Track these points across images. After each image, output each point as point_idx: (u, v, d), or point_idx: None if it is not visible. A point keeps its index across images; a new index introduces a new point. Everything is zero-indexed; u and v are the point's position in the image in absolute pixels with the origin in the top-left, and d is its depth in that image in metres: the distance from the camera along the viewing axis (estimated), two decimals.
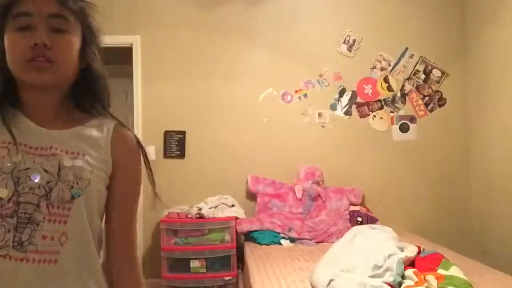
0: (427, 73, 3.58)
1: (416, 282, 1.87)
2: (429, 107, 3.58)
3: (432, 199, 3.55)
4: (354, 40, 3.56)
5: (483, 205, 3.36)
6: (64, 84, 0.87)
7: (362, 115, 3.56)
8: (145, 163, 0.95)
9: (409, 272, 1.97)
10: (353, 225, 3.06)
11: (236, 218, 3.10)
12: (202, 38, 3.48)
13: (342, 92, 3.56)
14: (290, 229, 3.13)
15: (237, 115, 3.46)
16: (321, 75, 3.56)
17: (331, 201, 3.30)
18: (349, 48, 3.57)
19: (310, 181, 3.31)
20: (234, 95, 3.44)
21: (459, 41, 3.59)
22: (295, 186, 3.32)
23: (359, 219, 3.17)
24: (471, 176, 3.53)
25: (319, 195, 3.30)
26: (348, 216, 3.22)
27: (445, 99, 3.58)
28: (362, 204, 3.41)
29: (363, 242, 2.27)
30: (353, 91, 3.56)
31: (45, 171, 0.79)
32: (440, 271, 2.00)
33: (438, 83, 3.58)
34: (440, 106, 3.58)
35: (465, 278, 1.92)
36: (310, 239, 3.08)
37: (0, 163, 0.77)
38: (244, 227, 3.10)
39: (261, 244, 2.95)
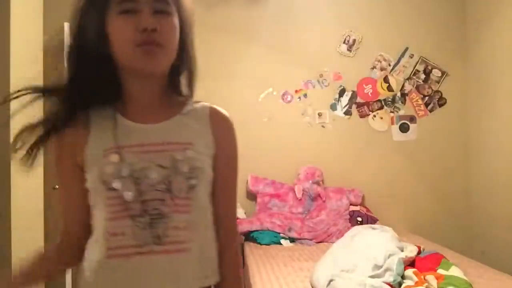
0: (427, 73, 3.58)
1: (416, 282, 1.88)
2: (429, 107, 3.58)
3: (432, 199, 3.55)
4: (354, 40, 3.56)
5: (483, 205, 3.36)
6: (167, 68, 0.86)
7: (362, 115, 3.56)
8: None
9: (409, 272, 1.97)
10: (353, 225, 3.06)
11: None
12: (202, 38, 3.47)
13: (342, 92, 3.56)
14: (290, 229, 3.13)
15: (237, 115, 3.44)
16: (321, 75, 3.56)
17: (331, 201, 3.30)
18: (349, 48, 3.57)
19: (310, 181, 3.31)
20: (234, 95, 3.44)
21: (459, 41, 3.59)
22: (295, 186, 3.32)
23: (359, 219, 3.17)
24: (471, 176, 3.53)
25: (319, 195, 3.30)
26: (348, 216, 3.22)
27: (445, 99, 3.58)
28: (362, 204, 3.41)
29: (363, 242, 2.27)
30: (353, 91, 3.56)
31: (161, 166, 0.81)
32: (440, 271, 2.00)
33: (438, 83, 3.58)
34: (440, 106, 3.58)
35: (465, 278, 1.92)
36: (310, 239, 3.08)
37: (117, 169, 0.79)
38: (244, 227, 3.10)
39: (261, 244, 2.95)
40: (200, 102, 0.94)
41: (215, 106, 0.95)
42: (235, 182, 0.96)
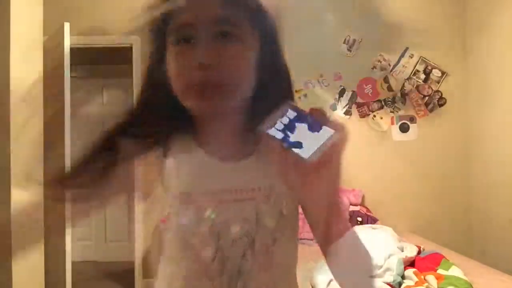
0: (427, 73, 3.58)
1: (416, 282, 1.87)
2: (429, 107, 3.57)
3: (432, 199, 3.55)
4: (354, 40, 3.56)
5: (483, 205, 3.36)
6: (244, 101, 0.69)
7: (362, 115, 3.56)
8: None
9: (409, 272, 1.97)
10: (353, 225, 3.05)
11: None
12: None
13: (342, 92, 3.56)
14: None
15: None
16: (321, 75, 3.56)
17: None
18: (349, 48, 3.57)
19: None
20: None
21: (459, 41, 3.59)
22: None
23: (359, 219, 3.17)
24: (471, 176, 3.52)
25: None
26: (348, 216, 3.22)
27: (445, 99, 3.58)
28: (362, 204, 3.40)
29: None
30: (353, 91, 3.56)
31: (244, 219, 0.68)
32: (440, 271, 2.00)
33: (438, 83, 3.58)
34: (440, 106, 3.58)
35: (465, 278, 1.92)
36: (310, 239, 3.08)
37: (196, 223, 0.67)
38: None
39: None
40: None
41: None
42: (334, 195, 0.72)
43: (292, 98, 0.76)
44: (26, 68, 2.21)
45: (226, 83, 0.64)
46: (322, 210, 0.65)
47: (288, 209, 0.72)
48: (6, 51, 2.02)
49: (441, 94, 3.58)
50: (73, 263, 2.89)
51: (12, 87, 2.03)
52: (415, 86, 3.58)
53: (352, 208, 3.28)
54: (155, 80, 0.70)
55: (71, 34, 2.92)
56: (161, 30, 0.67)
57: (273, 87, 0.70)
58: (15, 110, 2.05)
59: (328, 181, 0.64)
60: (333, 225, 0.67)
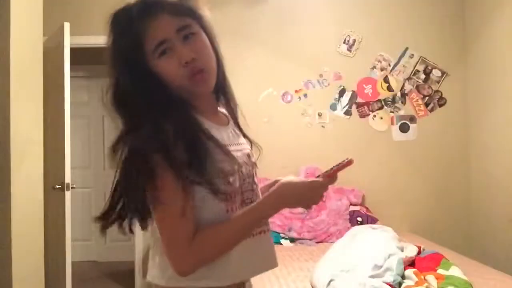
0: (427, 73, 3.58)
1: (416, 282, 1.87)
2: (429, 107, 3.58)
3: (432, 199, 3.55)
4: (354, 40, 3.56)
5: (483, 205, 3.36)
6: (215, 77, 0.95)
7: (362, 115, 3.56)
8: None
9: (409, 272, 1.97)
10: (353, 225, 3.06)
11: None
12: None
13: (342, 92, 3.56)
14: (290, 229, 3.13)
15: None
16: (321, 75, 3.56)
17: (331, 201, 3.30)
18: (349, 48, 3.57)
19: None
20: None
21: (459, 41, 3.59)
22: None
23: (359, 219, 3.17)
24: (471, 176, 3.53)
25: None
26: (348, 216, 3.22)
27: (445, 99, 3.58)
28: (362, 204, 3.41)
29: (363, 242, 2.27)
30: (353, 91, 3.56)
31: (245, 163, 0.96)
32: (440, 271, 2.00)
33: (438, 83, 3.58)
34: (440, 106, 3.58)
35: (465, 278, 1.92)
36: (310, 239, 3.08)
37: (232, 166, 0.91)
38: None
39: None
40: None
41: None
42: None
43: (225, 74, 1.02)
44: (26, 68, 2.21)
45: (207, 66, 0.90)
46: None
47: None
48: (6, 51, 2.02)
49: (441, 94, 3.58)
50: (73, 263, 2.89)
51: (12, 87, 2.04)
52: (415, 86, 3.58)
53: (352, 208, 3.29)
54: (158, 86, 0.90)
55: (71, 34, 2.92)
56: (136, 56, 0.87)
57: (220, 69, 0.97)
58: (15, 110, 2.05)
59: None
60: None
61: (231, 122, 1.03)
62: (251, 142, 1.07)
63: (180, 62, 0.86)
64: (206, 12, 0.96)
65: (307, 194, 0.90)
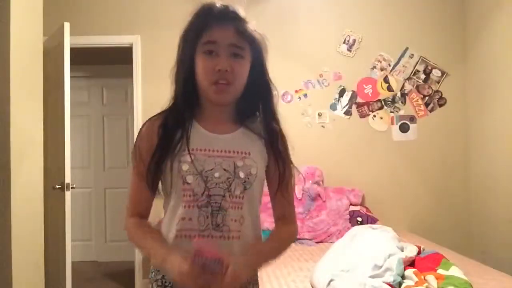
0: (427, 73, 3.58)
1: (416, 282, 1.87)
2: (429, 107, 3.58)
3: (432, 199, 3.55)
4: (354, 40, 3.57)
5: (483, 205, 3.36)
6: (236, 98, 1.07)
7: (362, 115, 3.56)
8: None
9: (409, 272, 1.97)
10: (353, 225, 3.06)
11: None
12: None
13: (342, 92, 3.56)
14: None
15: None
16: (321, 75, 3.56)
17: (331, 201, 3.30)
18: (349, 48, 3.57)
19: (310, 181, 3.31)
20: None
21: (459, 41, 3.59)
22: (295, 186, 3.32)
23: (359, 219, 3.17)
24: (471, 176, 3.53)
25: (319, 195, 3.30)
26: (348, 216, 3.22)
27: (445, 99, 3.58)
28: (362, 204, 3.41)
29: (363, 242, 2.27)
30: (353, 91, 3.56)
31: (224, 169, 1.03)
32: (440, 271, 2.00)
33: (438, 83, 3.58)
34: (440, 106, 3.58)
35: (465, 278, 1.92)
36: (310, 239, 3.08)
37: (191, 167, 1.01)
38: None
39: None
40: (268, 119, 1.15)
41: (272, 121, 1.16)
42: (290, 183, 1.15)
43: (269, 103, 1.17)
44: (26, 68, 2.21)
45: (232, 82, 1.01)
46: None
47: (257, 172, 1.06)
48: (6, 51, 2.02)
49: (441, 94, 3.58)
50: (73, 263, 2.89)
51: (12, 87, 2.03)
52: (415, 86, 3.58)
53: (352, 208, 3.29)
54: (184, 75, 1.05)
55: (71, 34, 2.92)
56: (193, 40, 1.03)
57: (254, 93, 1.10)
58: (15, 110, 2.05)
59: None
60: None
61: (238, 133, 1.10)
62: (286, 166, 1.12)
63: (215, 67, 0.98)
64: (265, 43, 1.11)
65: (175, 273, 0.90)
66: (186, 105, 1.06)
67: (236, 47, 1.01)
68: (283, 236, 1.13)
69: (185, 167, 1.01)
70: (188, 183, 1.01)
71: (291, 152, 1.17)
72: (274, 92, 1.18)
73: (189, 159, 1.00)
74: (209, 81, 1.00)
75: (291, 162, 1.14)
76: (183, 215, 1.01)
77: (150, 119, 1.11)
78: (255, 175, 1.05)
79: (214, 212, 1.01)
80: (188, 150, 1.01)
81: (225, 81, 1.00)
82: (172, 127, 1.05)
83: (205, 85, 1.02)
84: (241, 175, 1.03)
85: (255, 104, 1.12)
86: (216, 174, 1.01)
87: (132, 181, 1.08)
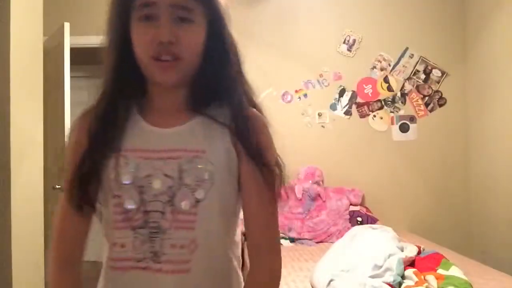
0: (427, 73, 3.58)
1: (416, 282, 1.87)
2: (429, 107, 3.58)
3: (432, 199, 3.55)
4: (354, 40, 3.56)
5: (483, 205, 3.36)
6: (190, 77, 0.80)
7: (362, 115, 3.56)
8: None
9: (409, 272, 1.97)
10: (353, 225, 3.06)
11: None
12: None
13: (342, 92, 3.56)
14: (290, 229, 3.13)
15: None
16: (321, 75, 3.56)
17: (331, 201, 3.30)
18: (349, 48, 3.57)
19: (310, 181, 3.31)
20: None
21: (459, 41, 3.59)
22: (295, 186, 3.32)
23: (359, 219, 3.17)
24: (471, 176, 3.52)
25: (319, 195, 3.30)
26: (348, 216, 3.22)
27: (445, 99, 3.58)
28: (362, 204, 3.40)
29: (363, 242, 2.27)
30: (353, 91, 3.56)
31: (166, 175, 0.75)
32: (440, 271, 2.00)
33: (438, 83, 3.58)
34: (440, 106, 3.58)
35: (465, 278, 1.92)
36: (310, 239, 3.08)
37: (119, 175, 0.75)
38: (244, 227, 3.09)
39: None
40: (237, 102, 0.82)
41: (246, 108, 0.83)
42: (269, 194, 0.80)
43: (235, 80, 0.83)
44: (26, 68, 2.21)
45: (181, 57, 0.75)
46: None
47: (214, 177, 0.76)
48: (6, 51, 2.02)
49: (441, 94, 3.58)
50: None
51: (12, 87, 2.03)
52: (415, 86, 3.58)
53: (352, 208, 3.29)
54: (116, 51, 0.79)
55: (71, 34, 2.92)
56: (123, 8, 0.77)
57: (215, 70, 0.80)
58: (15, 110, 2.05)
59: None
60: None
61: (196, 123, 0.80)
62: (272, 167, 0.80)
63: (154, 38, 0.73)
64: (225, 11, 0.85)
65: None
66: (119, 91, 0.80)
67: (182, 8, 0.74)
68: (260, 281, 0.79)
69: (112, 174, 0.75)
70: (118, 196, 0.75)
71: (281, 150, 0.86)
72: (243, 67, 0.87)
73: (118, 163, 0.75)
74: (148, 57, 0.75)
75: (275, 163, 0.81)
76: (114, 239, 0.76)
77: (83, 113, 0.84)
78: (210, 182, 0.75)
79: (152, 235, 0.73)
80: (117, 151, 0.76)
81: (169, 57, 0.74)
82: (103, 122, 0.78)
83: (145, 62, 0.76)
84: (188, 181, 0.74)
85: (219, 83, 0.81)
86: (155, 183, 0.74)
87: (59, 205, 0.82)
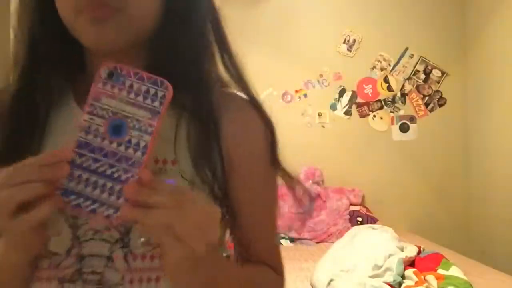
0: (427, 73, 3.58)
1: (416, 282, 1.87)
2: (429, 107, 3.57)
3: (432, 199, 3.55)
4: (354, 40, 3.56)
5: (483, 205, 3.36)
6: (141, 41, 0.54)
7: (362, 115, 3.56)
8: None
9: (409, 272, 1.97)
10: (353, 225, 3.06)
11: None
12: None
13: (342, 92, 3.56)
14: (290, 229, 3.13)
15: None
16: (321, 75, 3.56)
17: (331, 201, 3.30)
18: (349, 48, 3.57)
19: (310, 181, 3.31)
20: None
21: (459, 41, 3.59)
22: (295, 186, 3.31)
23: (359, 219, 3.17)
24: (471, 176, 3.52)
25: (319, 195, 3.30)
26: (348, 216, 3.22)
27: (445, 99, 3.58)
28: (362, 204, 3.40)
29: (363, 242, 2.27)
30: (353, 91, 3.56)
31: None
32: (440, 271, 2.00)
33: (438, 83, 3.58)
34: (440, 106, 3.58)
35: (465, 278, 1.92)
36: (310, 239, 3.08)
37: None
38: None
39: None
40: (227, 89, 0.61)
41: (231, 91, 0.62)
42: (271, 209, 0.63)
43: (203, 48, 0.60)
44: None
45: (120, 7, 0.49)
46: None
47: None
48: (6, 51, 2.02)
49: (441, 94, 3.58)
50: None
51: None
52: (415, 86, 3.58)
53: (352, 208, 3.29)
54: (36, 10, 0.55)
55: None
56: None
57: (183, 29, 0.55)
58: None
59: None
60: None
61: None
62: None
63: None
64: None
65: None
66: (41, 67, 0.54)
67: None
68: (262, 276, 0.59)
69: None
70: (37, 233, 0.43)
71: (281, 151, 0.66)
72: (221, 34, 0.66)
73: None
74: (72, 9, 0.49)
75: (275, 163, 0.63)
76: None
77: None
78: None
79: None
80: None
81: (102, 6, 0.48)
82: (16, 113, 0.53)
83: (68, 20, 0.51)
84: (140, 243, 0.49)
85: (184, 48, 0.56)
86: None
87: None
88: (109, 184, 0.38)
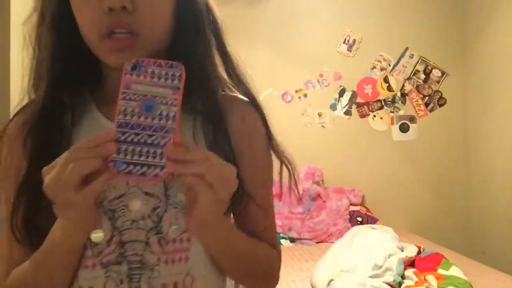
0: (427, 73, 3.58)
1: (416, 282, 1.87)
2: (429, 107, 3.58)
3: (432, 199, 3.55)
4: (354, 40, 3.56)
5: (483, 205, 3.36)
6: (156, 55, 0.57)
7: (362, 115, 3.56)
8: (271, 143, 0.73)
9: (409, 272, 1.97)
10: (353, 225, 3.06)
11: None
12: None
13: (342, 92, 3.56)
14: (290, 229, 3.13)
15: None
16: (321, 75, 3.56)
17: (331, 201, 3.30)
18: (349, 48, 3.57)
19: (310, 181, 3.31)
20: None
21: (459, 41, 3.59)
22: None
23: (359, 219, 3.17)
24: (471, 176, 3.52)
25: (319, 195, 3.30)
26: (348, 216, 3.22)
27: (445, 99, 3.58)
28: (362, 204, 3.41)
29: (363, 242, 2.27)
30: (353, 91, 3.56)
31: (147, 194, 0.58)
32: (440, 271, 2.00)
33: (438, 83, 3.58)
34: (440, 106, 3.58)
35: (465, 278, 1.92)
36: (310, 239, 3.08)
37: None
38: None
39: None
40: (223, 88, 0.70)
41: (232, 94, 0.70)
42: (268, 192, 0.71)
43: (208, 50, 0.67)
44: (26, 68, 2.21)
45: (140, 31, 0.56)
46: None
47: None
48: (6, 51, 2.02)
49: (441, 94, 3.58)
50: None
51: (12, 87, 2.03)
52: (415, 86, 3.58)
53: (352, 208, 3.29)
54: (60, 30, 0.60)
55: None
56: None
57: (191, 43, 0.63)
58: (15, 110, 2.05)
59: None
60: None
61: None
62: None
63: (101, 5, 0.54)
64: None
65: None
66: (65, 81, 0.60)
67: None
68: (261, 248, 0.69)
69: None
70: (94, 211, 0.52)
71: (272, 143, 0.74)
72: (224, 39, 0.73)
73: None
74: (96, 33, 0.56)
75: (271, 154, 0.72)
76: (81, 281, 0.57)
77: (17, 113, 0.69)
78: None
79: (133, 273, 0.57)
80: None
81: (123, 31, 0.55)
82: (46, 125, 0.60)
83: (93, 41, 0.57)
84: (181, 197, 0.58)
85: (195, 60, 0.63)
86: (132, 204, 0.58)
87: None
88: (151, 150, 0.48)
